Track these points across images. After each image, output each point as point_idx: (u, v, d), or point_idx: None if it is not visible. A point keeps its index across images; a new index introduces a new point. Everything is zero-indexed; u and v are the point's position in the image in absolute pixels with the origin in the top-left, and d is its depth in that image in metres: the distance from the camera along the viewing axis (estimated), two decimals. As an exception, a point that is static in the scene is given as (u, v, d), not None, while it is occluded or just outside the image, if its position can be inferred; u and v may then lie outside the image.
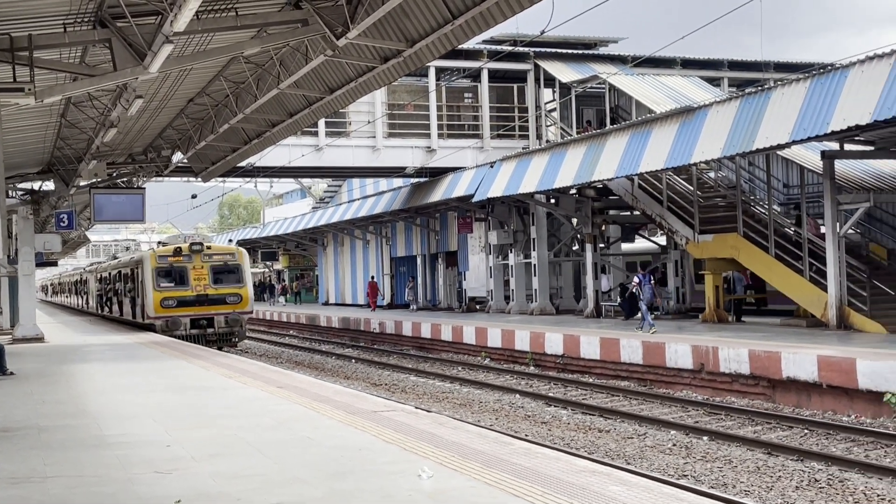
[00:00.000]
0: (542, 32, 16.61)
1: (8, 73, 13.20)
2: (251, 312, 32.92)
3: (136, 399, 13.73)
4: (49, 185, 29.45)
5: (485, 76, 35.59)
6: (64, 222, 30.22)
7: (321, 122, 32.17)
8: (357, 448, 9.26)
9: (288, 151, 32.33)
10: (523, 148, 34.24)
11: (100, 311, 45.33)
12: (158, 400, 13.54)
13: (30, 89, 12.71)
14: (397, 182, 41.28)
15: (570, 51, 36.50)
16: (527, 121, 36.21)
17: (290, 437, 10.07)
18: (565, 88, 34.27)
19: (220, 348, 27.84)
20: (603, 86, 32.94)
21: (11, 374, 17.46)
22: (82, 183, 27.82)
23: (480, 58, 34.65)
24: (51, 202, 29.69)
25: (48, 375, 17.52)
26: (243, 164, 30.73)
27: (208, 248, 31.39)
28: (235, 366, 18.54)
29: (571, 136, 31.85)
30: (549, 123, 36.66)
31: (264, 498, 7.24)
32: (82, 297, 56.63)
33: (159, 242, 34.29)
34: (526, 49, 34.73)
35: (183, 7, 11.05)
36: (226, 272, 30.97)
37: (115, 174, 29.08)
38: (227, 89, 20.32)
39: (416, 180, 37.86)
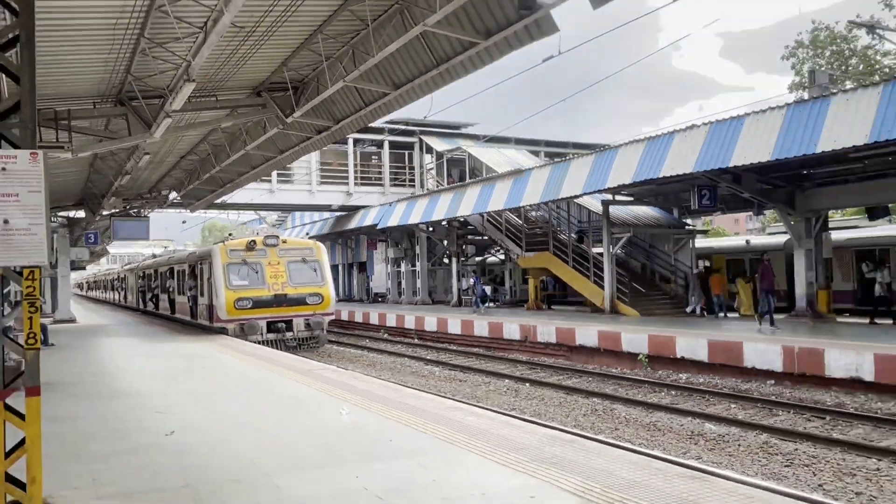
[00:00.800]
0: (425, 118, 16.86)
1: (53, 136, 12.68)
2: (333, 315, 21.34)
3: (143, 362, 13.20)
4: (80, 214, 28.04)
5: (386, 145, 35.46)
6: (91, 240, 28.81)
7: (274, 173, 31.47)
8: (300, 396, 9.17)
9: (250, 193, 31.44)
10: (411, 194, 34.31)
11: (141, 307, 33.08)
12: (159, 363, 13.05)
13: (68, 147, 12.28)
14: (326, 215, 40.73)
15: (443, 130, 36.72)
16: (414, 175, 36.36)
17: (254, 388, 9.89)
18: (439, 155, 34.58)
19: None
20: (464, 153, 33.40)
21: (52, 345, 16.56)
22: (105, 212, 26.61)
23: (383, 133, 34.57)
24: (81, 225, 28.34)
25: (79, 347, 16.64)
26: (219, 200, 29.58)
27: (284, 242, 20.74)
28: (218, 340, 17.97)
29: (443, 186, 32.14)
30: (429, 178, 36.86)
31: (234, 430, 7.13)
32: (119, 293, 43.76)
33: (229, 234, 23.79)
34: (414, 128, 34.87)
35: (179, 93, 10.84)
36: (304, 269, 20.37)
37: (128, 206, 27.71)
38: (209, 149, 19.70)
39: (339, 214, 37.40)
